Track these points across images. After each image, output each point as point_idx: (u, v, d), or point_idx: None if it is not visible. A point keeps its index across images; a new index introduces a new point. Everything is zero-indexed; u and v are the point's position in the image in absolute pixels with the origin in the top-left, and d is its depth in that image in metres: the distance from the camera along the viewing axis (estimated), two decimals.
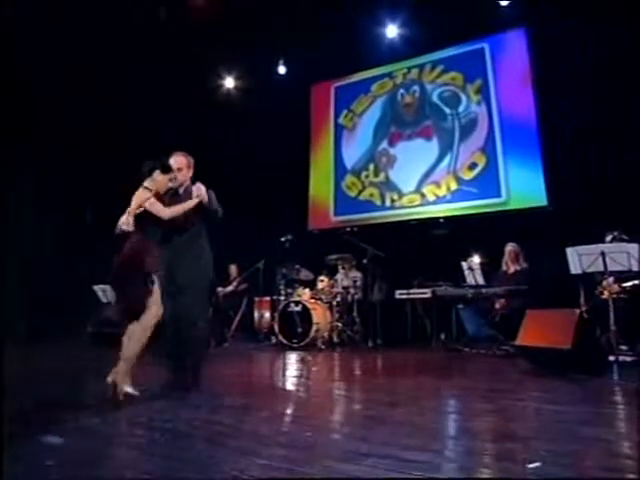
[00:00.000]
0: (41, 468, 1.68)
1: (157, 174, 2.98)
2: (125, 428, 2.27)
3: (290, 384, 3.53)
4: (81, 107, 6.43)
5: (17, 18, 4.73)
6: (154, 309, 2.81)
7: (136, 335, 2.78)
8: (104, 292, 6.22)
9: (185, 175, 3.17)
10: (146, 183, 2.95)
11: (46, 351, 5.48)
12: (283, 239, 6.07)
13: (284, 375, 3.93)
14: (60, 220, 6.51)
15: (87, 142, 6.47)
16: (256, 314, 6.87)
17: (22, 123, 6.05)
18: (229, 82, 8.03)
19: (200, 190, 3.03)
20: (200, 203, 3.02)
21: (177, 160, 3.16)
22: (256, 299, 6.88)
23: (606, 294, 3.86)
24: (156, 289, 2.82)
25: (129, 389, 2.72)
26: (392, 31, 7.15)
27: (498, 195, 6.41)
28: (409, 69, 7.46)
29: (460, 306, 5.21)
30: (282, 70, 7.93)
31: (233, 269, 7.02)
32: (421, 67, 7.36)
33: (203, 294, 3.09)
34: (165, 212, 2.91)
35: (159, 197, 2.96)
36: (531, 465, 1.55)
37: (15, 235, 6.09)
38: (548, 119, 6.07)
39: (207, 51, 7.02)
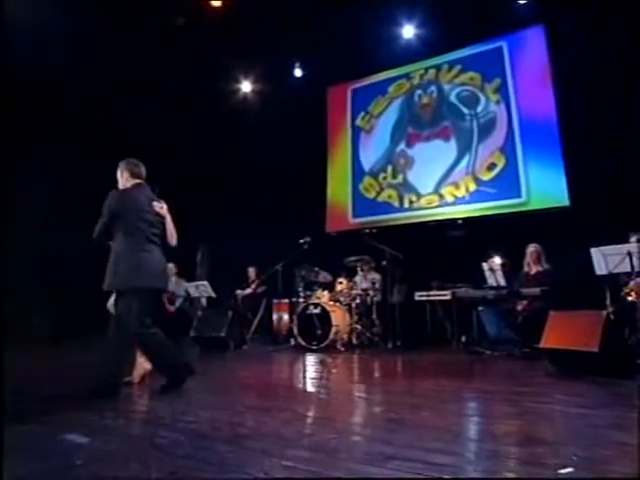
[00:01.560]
0: (67, 467, 1.70)
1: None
2: (148, 429, 2.28)
3: (311, 386, 3.52)
4: (95, 109, 6.53)
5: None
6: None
7: None
8: None
9: (119, 180, 3.22)
10: None
11: (60, 352, 5.58)
12: (301, 241, 6.07)
13: (304, 377, 3.92)
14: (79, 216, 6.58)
15: (103, 144, 6.56)
16: (275, 316, 6.88)
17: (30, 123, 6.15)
18: (246, 86, 8.10)
19: None
20: None
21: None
22: (275, 301, 6.89)
23: (633, 296, 3.75)
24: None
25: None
26: (409, 31, 7.12)
27: (518, 195, 6.31)
28: (426, 70, 7.41)
29: (480, 308, 5.13)
30: (298, 73, 7.97)
31: (251, 272, 7.05)
32: (438, 67, 7.30)
33: (133, 298, 3.00)
34: None
35: None
36: (563, 471, 1.51)
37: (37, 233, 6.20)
38: (569, 117, 5.96)
39: (223, 55, 7.08)
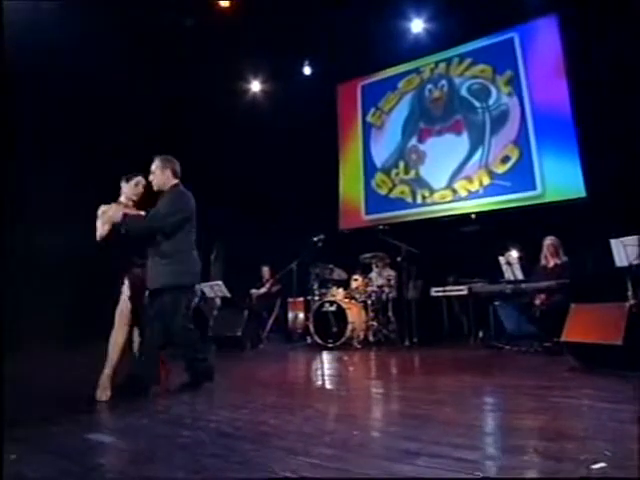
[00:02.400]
0: (91, 467, 1.70)
1: (123, 185, 3.23)
2: (170, 428, 2.28)
3: (329, 383, 3.50)
4: (104, 108, 6.57)
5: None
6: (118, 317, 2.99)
7: (113, 340, 2.96)
8: None
9: (158, 177, 3.15)
10: (120, 199, 3.24)
11: (76, 355, 5.64)
12: (315, 239, 6.05)
13: (322, 375, 3.90)
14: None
15: (111, 142, 6.60)
16: (290, 315, 6.88)
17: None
18: (255, 86, 8.11)
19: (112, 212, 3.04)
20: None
21: (153, 164, 3.22)
22: (290, 300, 6.90)
23: None
24: (123, 298, 2.99)
25: (103, 396, 2.84)
26: (418, 25, 7.06)
27: (533, 188, 6.22)
28: (436, 64, 7.34)
29: (497, 302, 5.06)
30: (307, 71, 7.95)
31: (265, 271, 7.05)
32: (448, 61, 7.22)
33: (173, 296, 3.02)
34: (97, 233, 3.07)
35: (136, 203, 3.24)
36: (595, 466, 1.47)
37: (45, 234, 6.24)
38: (584, 108, 5.85)
39: (232, 55, 7.08)
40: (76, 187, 6.52)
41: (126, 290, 3.02)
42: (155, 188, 3.18)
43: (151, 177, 3.17)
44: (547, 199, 6.09)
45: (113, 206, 3.13)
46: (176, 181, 3.17)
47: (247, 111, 7.90)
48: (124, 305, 3.02)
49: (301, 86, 7.81)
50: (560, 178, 6.02)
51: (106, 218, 3.02)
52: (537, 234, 5.16)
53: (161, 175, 3.14)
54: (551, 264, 4.94)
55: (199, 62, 6.89)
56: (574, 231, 5.17)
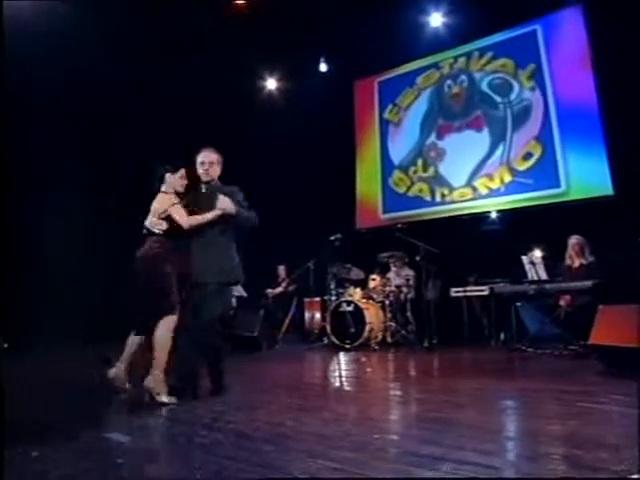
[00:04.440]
0: (109, 466, 1.70)
1: (168, 176, 3.12)
2: (187, 428, 2.28)
3: (347, 385, 3.47)
4: (116, 101, 6.63)
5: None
6: (173, 313, 2.85)
7: (161, 340, 2.81)
8: None
9: (216, 170, 3.12)
10: (163, 188, 3.11)
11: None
12: (332, 238, 6.01)
13: (340, 376, 3.87)
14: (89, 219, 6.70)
15: (115, 137, 6.65)
16: (307, 315, 6.86)
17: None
18: (271, 83, 8.10)
19: (224, 204, 2.93)
20: (225, 214, 2.97)
21: (206, 155, 3.12)
22: (306, 300, 6.88)
23: None
24: (174, 292, 2.87)
25: (164, 398, 2.73)
26: (436, 20, 6.95)
27: (557, 185, 6.08)
28: (455, 58, 7.23)
29: (519, 303, 4.95)
30: (323, 68, 7.91)
31: (281, 270, 7.05)
32: (468, 55, 7.11)
33: (218, 294, 2.93)
34: (184, 221, 2.95)
35: (181, 196, 3.11)
36: (634, 476, 1.40)
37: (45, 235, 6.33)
38: (611, 101, 5.69)
39: (248, 53, 7.08)
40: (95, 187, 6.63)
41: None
42: (206, 179, 3.10)
43: (206, 168, 3.08)
44: (572, 197, 5.94)
45: (164, 197, 3.04)
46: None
47: (262, 109, 7.88)
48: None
49: (317, 83, 7.77)
50: (586, 175, 5.87)
51: (223, 207, 2.92)
52: (561, 233, 5.04)
53: (218, 167, 3.13)
54: (576, 264, 4.82)
55: (214, 59, 6.89)
56: (601, 230, 5.03)
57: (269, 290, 6.92)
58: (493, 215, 6.53)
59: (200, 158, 3.11)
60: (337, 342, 5.54)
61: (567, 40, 6.25)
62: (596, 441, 1.83)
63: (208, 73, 6.93)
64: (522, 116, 6.50)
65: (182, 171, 3.18)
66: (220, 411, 2.52)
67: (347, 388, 3.35)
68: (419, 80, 7.54)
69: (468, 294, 5.60)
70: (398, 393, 3.10)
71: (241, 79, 7.59)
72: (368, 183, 7.80)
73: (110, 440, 2.05)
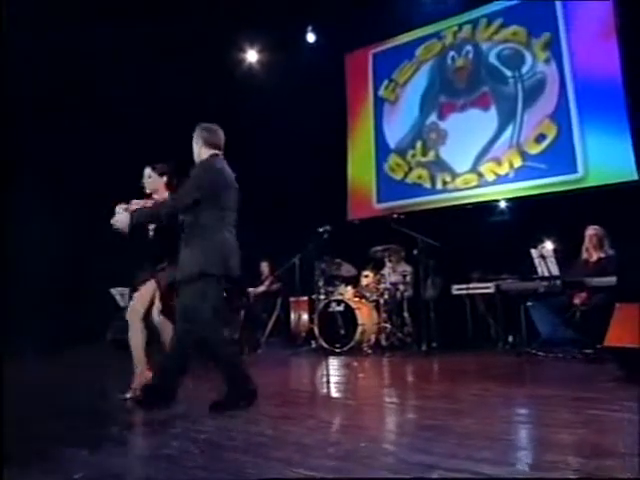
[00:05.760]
0: None
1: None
2: (154, 439, 2.31)
3: (335, 392, 3.53)
4: (99, 86, 6.65)
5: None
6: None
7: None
8: (122, 296, 6.42)
9: (194, 150, 3.15)
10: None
11: (64, 361, 5.71)
12: (321, 230, 6.04)
13: (328, 382, 3.92)
14: (72, 218, 6.74)
15: (103, 126, 6.66)
16: (293, 316, 6.92)
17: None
18: (251, 56, 8.05)
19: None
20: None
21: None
22: (292, 299, 6.93)
23: None
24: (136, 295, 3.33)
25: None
26: None
27: (574, 171, 6.16)
28: (460, 27, 7.27)
29: (529, 302, 5.03)
30: (311, 38, 7.91)
31: (264, 267, 7.09)
32: (474, 23, 7.15)
33: (194, 292, 2.87)
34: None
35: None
36: None
37: (25, 235, 6.39)
38: (636, 76, 5.73)
39: (228, 22, 7.06)
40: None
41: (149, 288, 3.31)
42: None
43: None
44: (590, 183, 6.02)
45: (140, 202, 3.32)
46: (211, 152, 3.06)
47: (241, 84, 7.84)
48: (135, 302, 3.32)
49: (303, 56, 7.78)
50: (606, 159, 5.93)
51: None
52: (576, 224, 5.11)
53: (195, 147, 3.11)
54: (594, 258, 4.88)
55: (192, 30, 6.85)
56: (623, 220, 5.08)
57: (251, 289, 6.95)
58: (501, 204, 6.61)
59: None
60: (326, 346, 5.60)
61: (589, 5, 6.24)
62: (602, 449, 1.90)
63: (181, 42, 6.91)
64: (535, 92, 6.56)
65: (146, 170, 3.54)
66: (193, 420, 2.55)
67: (335, 395, 3.41)
68: (418, 52, 7.57)
69: (471, 292, 5.68)
70: (391, 400, 3.16)
71: (219, 51, 7.55)
72: (361, 169, 7.84)
73: (69, 453, 2.07)
